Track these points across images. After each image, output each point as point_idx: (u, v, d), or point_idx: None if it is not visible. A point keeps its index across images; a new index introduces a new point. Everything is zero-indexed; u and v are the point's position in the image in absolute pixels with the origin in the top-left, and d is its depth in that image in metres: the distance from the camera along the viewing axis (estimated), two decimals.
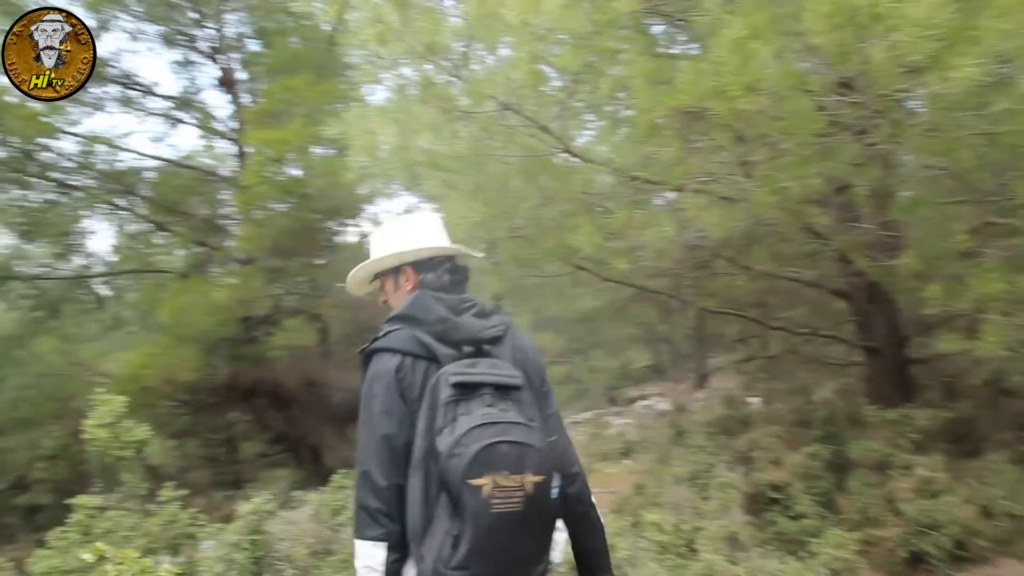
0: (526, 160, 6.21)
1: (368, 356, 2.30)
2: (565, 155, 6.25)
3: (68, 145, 14.07)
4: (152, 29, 14.56)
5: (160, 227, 16.17)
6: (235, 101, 15.24)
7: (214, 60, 15.15)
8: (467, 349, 2.23)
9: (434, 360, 2.21)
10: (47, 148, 13.57)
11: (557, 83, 6.17)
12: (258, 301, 14.69)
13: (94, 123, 21.86)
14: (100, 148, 14.54)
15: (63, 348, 12.76)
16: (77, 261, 15.16)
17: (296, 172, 13.45)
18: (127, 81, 14.73)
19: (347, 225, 16.46)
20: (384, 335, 2.30)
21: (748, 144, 5.44)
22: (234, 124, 15.34)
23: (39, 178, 13.76)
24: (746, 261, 7.70)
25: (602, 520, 2.46)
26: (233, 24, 15.22)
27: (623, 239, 6.04)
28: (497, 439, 2.02)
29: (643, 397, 18.56)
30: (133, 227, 16.01)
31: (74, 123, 14.31)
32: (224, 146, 17.12)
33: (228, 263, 15.29)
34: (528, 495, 2.03)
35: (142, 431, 7.73)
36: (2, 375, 12.36)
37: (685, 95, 4.87)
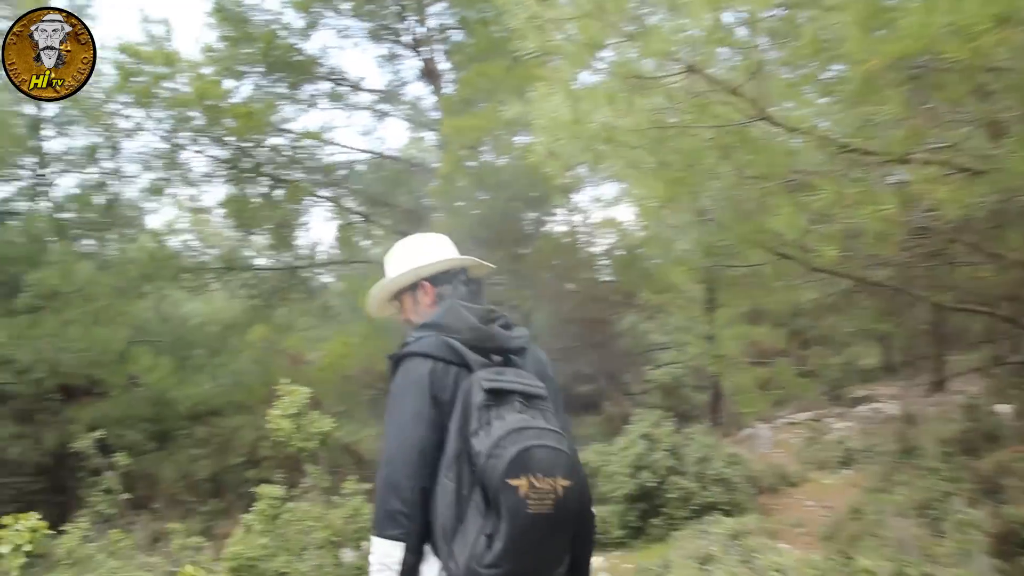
0: (717, 132, 5.40)
1: (398, 361, 2.37)
2: (763, 124, 5.37)
3: (281, 141, 14.75)
4: (358, 25, 14.91)
5: (366, 218, 16.63)
6: (437, 92, 15.30)
7: (417, 52, 15.30)
8: (496, 357, 2.34)
9: (465, 366, 2.29)
10: (262, 145, 14.26)
11: (747, 37, 5.28)
12: None
13: (307, 120, 23.01)
14: (311, 143, 15.12)
15: (273, 336, 13.31)
16: (291, 252, 15.89)
17: (491, 159, 13.24)
18: (336, 77, 15.21)
19: (548, 214, 16.16)
20: (415, 340, 2.36)
21: (997, 98, 4.33)
22: (436, 115, 15.43)
23: (256, 174, 14.49)
24: (994, 247, 6.35)
25: (595, 528, 2.46)
26: (435, 16, 15.29)
27: (832, 222, 5.09)
28: (533, 443, 2.11)
29: (870, 399, 16.75)
30: (342, 219, 16.57)
31: (288, 120, 15.00)
32: (428, 137, 17.39)
33: None
34: (558, 498, 2.11)
35: (327, 422, 7.69)
36: (222, 360, 13.07)
37: (911, 39, 3.90)
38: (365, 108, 16.01)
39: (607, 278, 16.53)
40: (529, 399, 2.24)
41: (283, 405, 7.50)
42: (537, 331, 17.02)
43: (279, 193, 15.01)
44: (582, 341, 16.26)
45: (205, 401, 12.56)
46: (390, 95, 16.06)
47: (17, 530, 4.57)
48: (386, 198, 16.09)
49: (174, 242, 14.82)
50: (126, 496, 8.78)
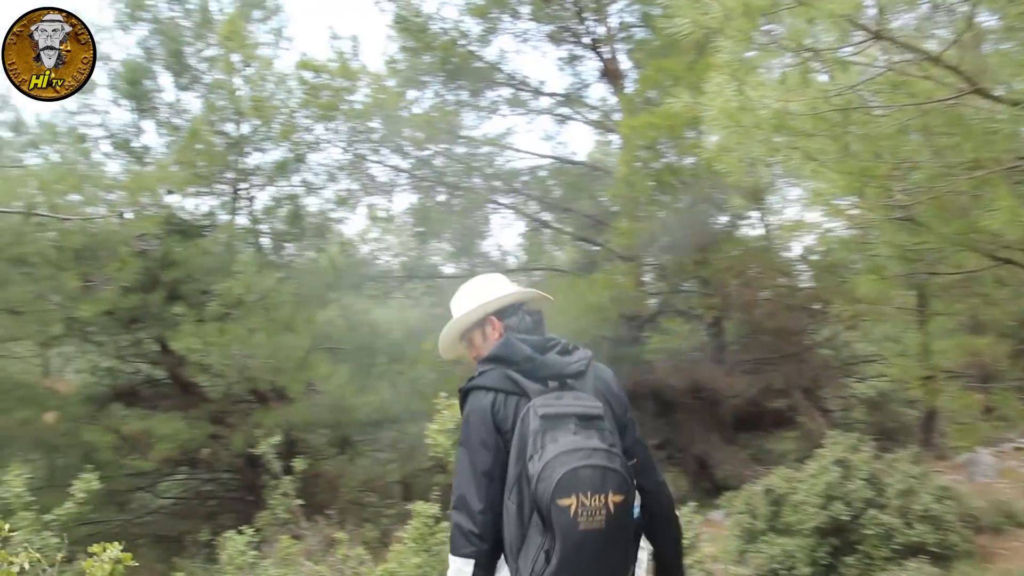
0: (916, 112, 4.52)
1: (466, 394, 2.54)
2: (977, 100, 4.42)
3: (463, 149, 14.77)
4: (537, 28, 14.66)
5: (549, 224, 16.36)
6: (619, 92, 14.76)
7: (597, 53, 14.83)
8: (552, 384, 2.45)
9: (524, 395, 2.43)
10: (444, 153, 14.33)
11: None
12: (638, 299, 14.09)
13: (488, 126, 23.18)
14: (492, 150, 15.05)
15: None
16: (474, 259, 15.90)
17: (674, 159, 12.49)
18: (516, 82, 15.03)
19: (739, 216, 15.18)
20: (479, 375, 2.53)
21: None
22: (620, 116, 14.88)
23: (437, 182, 14.58)
24: None
25: (681, 531, 2.67)
26: (616, 14, 14.76)
27: None
28: (581, 463, 2.24)
29: None
30: (525, 226, 16.41)
31: (469, 127, 15.01)
32: (612, 140, 16.87)
33: (611, 260, 14.87)
34: (610, 514, 2.23)
35: None
36: (401, 368, 13.19)
37: None
38: (546, 112, 15.73)
39: (804, 285, 15.30)
40: (584, 420, 2.37)
41: (441, 420, 7.26)
42: (725, 342, 16.09)
43: (460, 201, 15.04)
44: (775, 352, 15.15)
45: (383, 408, 12.71)
46: (571, 98, 15.69)
47: (101, 561, 4.51)
48: (568, 203, 15.75)
49: (360, 251, 15.23)
50: (300, 502, 8.83)
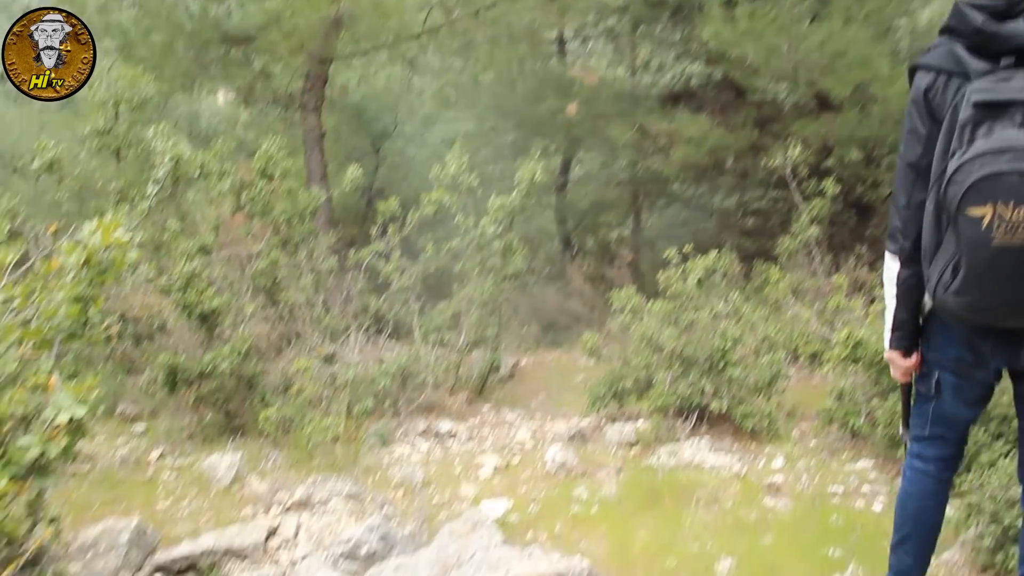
0: None
1: (911, 73, 2.21)
2: None
3: None
4: None
5: None
6: None
7: None
8: (1006, 61, 1.97)
9: (967, 76, 2.02)
10: None
11: None
12: None
13: None
14: None
15: None
16: None
17: None
18: None
19: None
20: (927, 51, 2.18)
21: None
22: None
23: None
24: None
25: None
26: None
27: None
28: (1008, 167, 1.85)
29: None
30: None
31: None
32: None
33: None
34: None
35: None
36: None
37: None
38: None
39: None
40: None
41: None
42: None
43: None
44: None
45: None
46: None
47: None
48: None
49: None
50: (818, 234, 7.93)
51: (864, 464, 5.19)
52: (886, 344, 2.48)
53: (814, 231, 7.86)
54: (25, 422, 2.28)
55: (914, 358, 2.44)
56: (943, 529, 2.73)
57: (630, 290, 6.89)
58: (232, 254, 7.29)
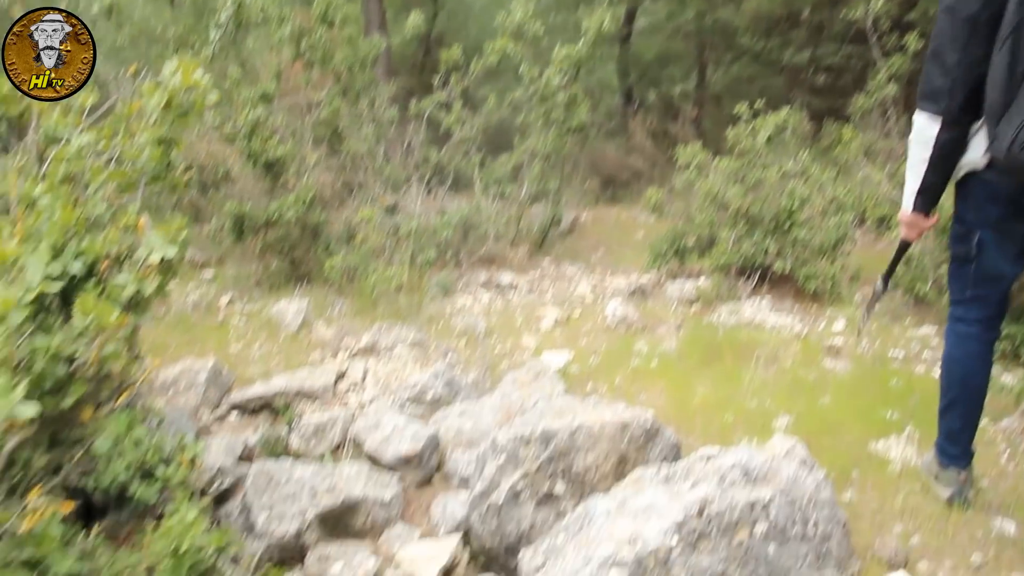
0: None
1: None
2: None
3: None
4: None
5: None
6: None
7: None
8: None
9: None
10: None
11: None
12: None
13: None
14: None
15: None
16: None
17: None
18: None
19: None
20: None
21: None
22: None
23: None
24: None
25: None
26: None
27: None
28: None
29: None
30: None
31: None
32: None
33: None
34: None
35: None
36: None
37: None
38: None
39: None
40: None
41: None
42: None
43: None
44: None
45: None
46: None
47: None
48: None
49: None
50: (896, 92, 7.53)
51: (927, 330, 5.16)
52: (907, 205, 2.49)
53: (891, 89, 7.52)
54: (119, 261, 2.36)
55: (934, 218, 2.52)
56: (1003, 396, 2.74)
57: (696, 146, 6.77)
58: (293, 103, 7.27)
